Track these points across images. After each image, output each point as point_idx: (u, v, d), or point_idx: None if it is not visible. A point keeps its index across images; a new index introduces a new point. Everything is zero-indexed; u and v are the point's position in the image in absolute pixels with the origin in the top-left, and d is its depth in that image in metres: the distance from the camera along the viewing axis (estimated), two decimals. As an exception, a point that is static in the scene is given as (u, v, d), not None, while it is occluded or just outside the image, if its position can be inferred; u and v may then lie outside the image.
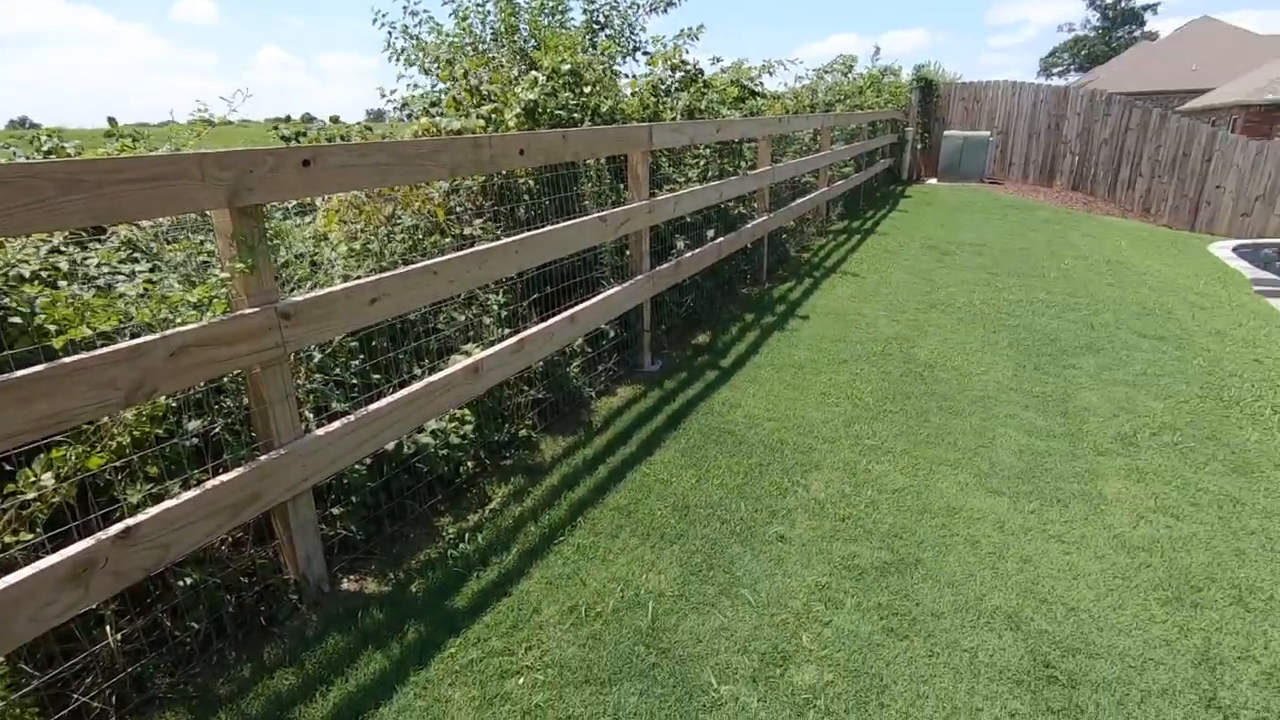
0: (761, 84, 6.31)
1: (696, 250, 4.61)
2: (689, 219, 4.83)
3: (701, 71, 6.25)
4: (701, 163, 5.06)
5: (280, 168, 1.87)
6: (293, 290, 2.34)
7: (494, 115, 3.64)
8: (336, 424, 2.11)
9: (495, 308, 3.35)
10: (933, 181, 13.13)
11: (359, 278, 2.38)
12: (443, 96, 4.09)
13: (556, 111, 3.68)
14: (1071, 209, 11.21)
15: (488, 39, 6.21)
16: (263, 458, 1.90)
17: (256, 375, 1.89)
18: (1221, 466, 3.24)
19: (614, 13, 6.11)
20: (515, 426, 3.12)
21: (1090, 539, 2.63)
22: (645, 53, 6.13)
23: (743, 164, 5.99)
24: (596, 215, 3.37)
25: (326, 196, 2.81)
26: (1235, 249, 9.68)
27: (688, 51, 5.35)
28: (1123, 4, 61.03)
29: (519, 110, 3.56)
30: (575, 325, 3.33)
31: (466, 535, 2.47)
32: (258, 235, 1.83)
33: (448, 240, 2.99)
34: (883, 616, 2.17)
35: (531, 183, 3.68)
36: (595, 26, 6.22)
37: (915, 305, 5.56)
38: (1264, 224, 11.94)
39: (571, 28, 6.24)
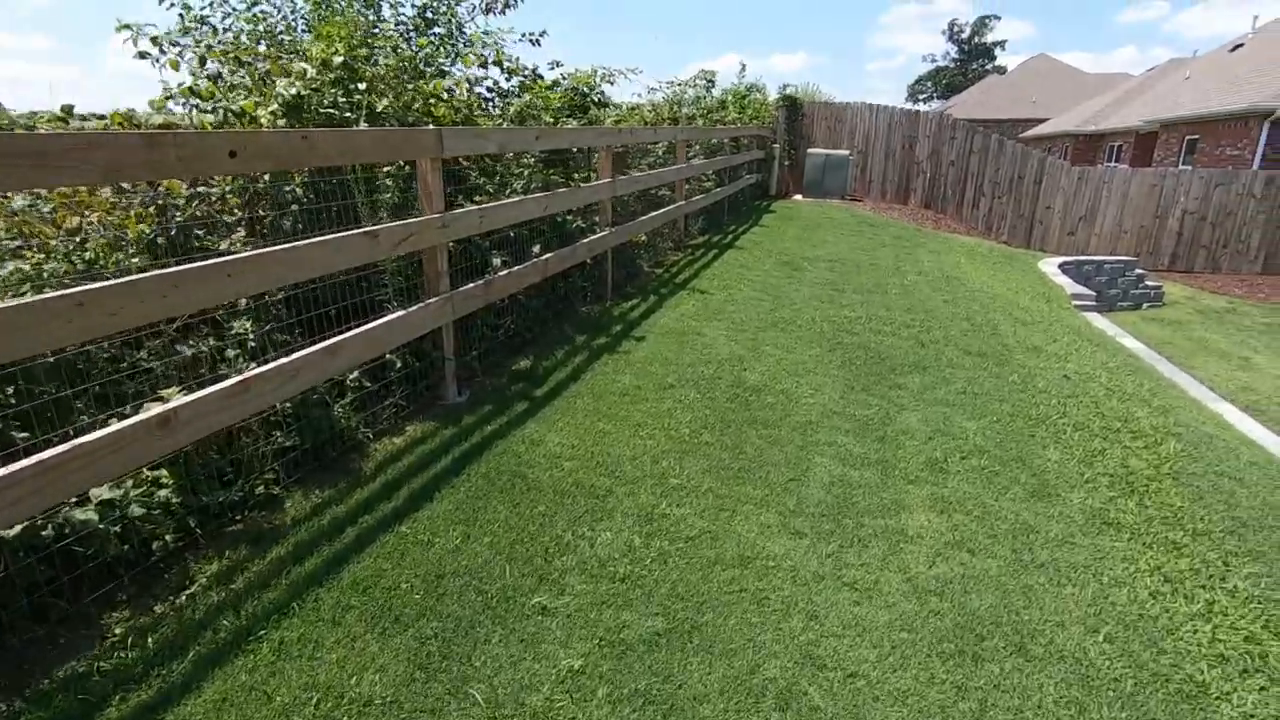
0: (602, 93, 6.05)
1: (516, 268, 4.23)
2: (512, 234, 4.45)
3: (541, 76, 5.92)
4: (526, 173, 4.69)
5: None
6: None
7: (255, 110, 3.11)
8: (-108, 514, 1.55)
9: (242, 337, 2.82)
10: (798, 198, 13.49)
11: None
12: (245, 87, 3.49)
13: (326, 109, 3.19)
14: (922, 226, 11.80)
15: (299, 29, 5.59)
16: None
17: None
18: (1022, 491, 3.21)
19: (441, 10, 5.66)
20: (252, 482, 2.60)
21: (884, 585, 2.45)
22: (476, 55, 5.71)
23: (592, 175, 5.68)
24: (363, 230, 2.91)
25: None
26: (1060, 265, 10.47)
27: (503, 49, 4.99)
28: (976, 40, 67.24)
29: (276, 106, 3.04)
30: (337, 358, 2.85)
31: (134, 636, 1.94)
32: None
33: (136, 260, 2.44)
34: (636, 708, 1.86)
35: (299, 190, 3.18)
36: (422, 23, 5.74)
37: (757, 323, 5.44)
38: (1086, 242, 13.08)
39: (397, 22, 5.74)
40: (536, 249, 4.60)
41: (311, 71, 3.21)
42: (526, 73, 5.81)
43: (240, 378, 2.40)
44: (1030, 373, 4.84)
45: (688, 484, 3.03)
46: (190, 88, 3.03)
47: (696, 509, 2.84)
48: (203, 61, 3.07)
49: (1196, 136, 18.45)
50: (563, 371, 4.17)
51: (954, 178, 13.57)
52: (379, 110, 3.29)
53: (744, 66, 14.03)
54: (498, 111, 5.41)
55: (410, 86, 3.93)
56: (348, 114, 3.25)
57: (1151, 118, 20.92)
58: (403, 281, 3.37)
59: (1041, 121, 35.74)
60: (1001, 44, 67.24)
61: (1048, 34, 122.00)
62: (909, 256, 8.81)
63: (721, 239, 8.87)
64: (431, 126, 3.45)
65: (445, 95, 4.13)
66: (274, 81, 3.20)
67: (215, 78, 3.02)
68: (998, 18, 69.94)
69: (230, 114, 3.01)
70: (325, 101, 3.16)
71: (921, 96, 70.09)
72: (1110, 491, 3.29)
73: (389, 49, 3.99)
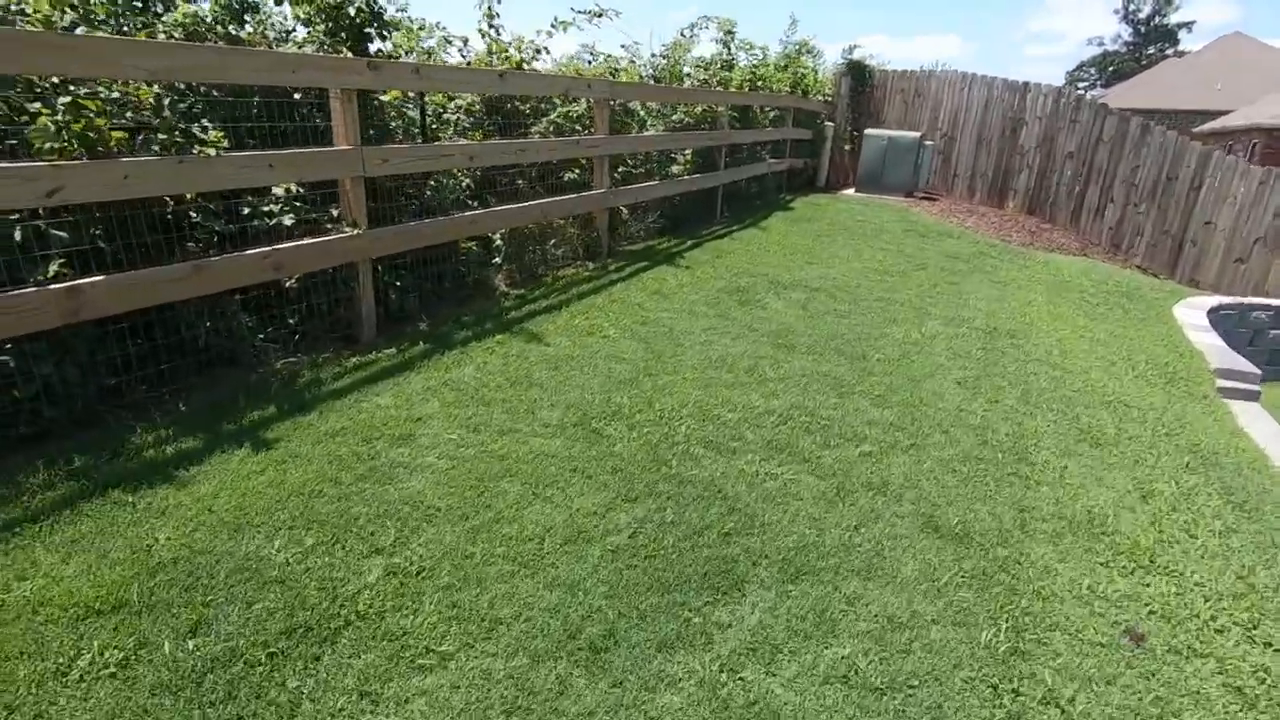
0: (382, 9, 3.73)
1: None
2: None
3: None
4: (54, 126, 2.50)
5: None
6: None
7: None
8: None
9: None
10: (849, 192, 10.52)
11: None
12: None
13: None
14: (1005, 241, 8.58)
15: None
16: None
17: None
18: None
19: None
20: None
21: None
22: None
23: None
24: None
25: None
26: (1213, 312, 7.06)
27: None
28: (1156, 21, 57.80)
29: None
30: None
31: None
32: None
33: None
34: None
35: None
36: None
37: (554, 416, 3.03)
38: (1263, 275, 9.28)
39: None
40: (55, 268, 2.45)
41: None
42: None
43: None
44: (1043, 614, 2.15)
45: None
46: None
47: None
48: None
49: None
50: (-50, 534, 2.01)
51: (1071, 175, 10.08)
52: None
53: (794, 22, 11.15)
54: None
55: None
56: None
57: (1385, 108, 15.69)
58: None
59: (1226, 113, 29.32)
60: (1188, 25, 57.54)
61: (1251, 17, 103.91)
62: (951, 289, 5.90)
63: (674, 246, 6.34)
64: None
65: None
66: None
67: None
68: (1186, -8, 59.65)
69: None
70: None
71: (1083, 84, 61.45)
72: None
73: None
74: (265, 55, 2.93)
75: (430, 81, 3.83)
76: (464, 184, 4.61)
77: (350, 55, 3.51)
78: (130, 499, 2.22)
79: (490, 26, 5.53)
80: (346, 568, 2.04)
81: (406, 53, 4.55)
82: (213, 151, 2.75)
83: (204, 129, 2.89)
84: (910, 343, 4.45)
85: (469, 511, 2.35)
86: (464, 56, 5.64)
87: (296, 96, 3.40)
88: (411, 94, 4.34)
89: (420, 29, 5.35)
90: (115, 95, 2.67)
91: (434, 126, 4.79)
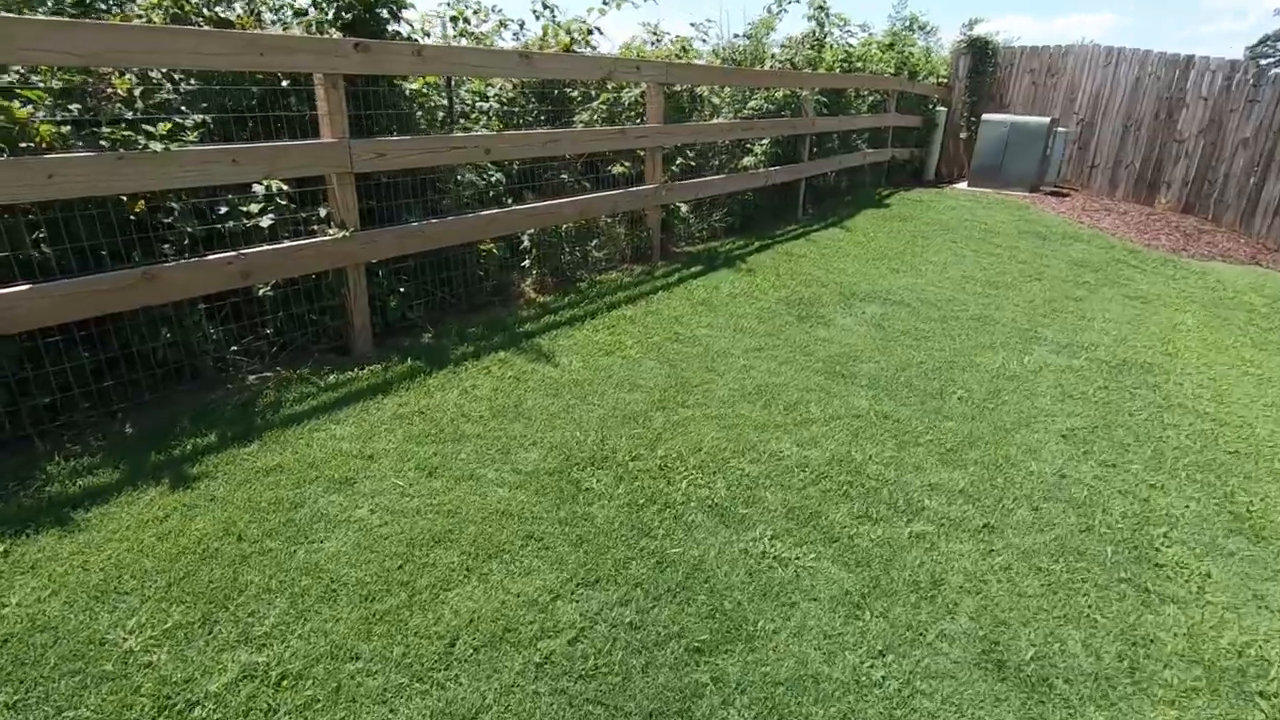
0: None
1: None
2: None
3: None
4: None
5: None
6: None
7: None
8: None
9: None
10: (961, 186, 9.30)
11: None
12: None
13: None
14: (1150, 246, 7.18)
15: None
16: None
17: None
18: None
19: None
20: None
21: None
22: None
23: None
24: None
25: None
26: None
27: None
28: (1367, -19, 49.19)
29: None
30: None
31: None
32: None
33: None
34: None
35: None
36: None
37: (530, 460, 2.54)
38: None
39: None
40: None
41: None
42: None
43: None
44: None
45: None
46: None
47: None
48: None
49: None
50: None
51: (1244, 166, 8.40)
52: None
53: (903, -3, 9.97)
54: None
55: None
56: None
57: None
58: None
59: None
60: None
61: None
62: (1072, 306, 4.86)
63: (741, 248, 5.66)
64: None
65: None
66: None
67: None
68: None
69: None
70: None
71: (1267, 59, 53.42)
72: None
73: None
74: (228, 37, 2.60)
75: (435, 64, 3.42)
76: (494, 179, 4.21)
77: (339, 36, 3.15)
78: (3, 546, 1.94)
79: (545, 7, 5.14)
80: (199, 663, 1.64)
81: (424, 35, 4.19)
82: (158, 146, 2.46)
83: (187, 119, 2.62)
84: (1006, 376, 3.60)
85: (379, 590, 1.90)
86: (518, 40, 5.32)
87: (285, 84, 3.09)
88: (437, 80, 3.99)
89: (475, 12, 5.05)
90: (58, 85, 2.42)
91: (473, 116, 4.44)
